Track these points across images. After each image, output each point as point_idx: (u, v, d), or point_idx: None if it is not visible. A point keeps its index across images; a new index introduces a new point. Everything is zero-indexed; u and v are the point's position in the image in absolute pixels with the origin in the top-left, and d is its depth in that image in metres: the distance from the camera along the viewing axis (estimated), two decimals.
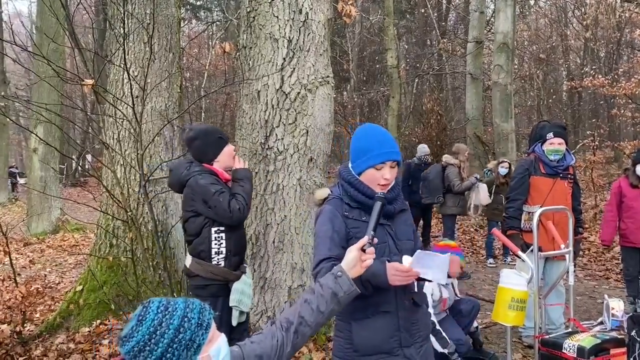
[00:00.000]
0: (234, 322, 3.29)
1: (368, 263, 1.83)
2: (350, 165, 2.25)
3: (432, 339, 3.68)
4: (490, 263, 8.29)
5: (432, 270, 2.04)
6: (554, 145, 4.55)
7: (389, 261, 2.03)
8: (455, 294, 4.31)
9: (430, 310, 3.80)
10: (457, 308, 4.25)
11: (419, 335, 2.21)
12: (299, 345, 1.66)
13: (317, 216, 2.24)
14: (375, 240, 1.89)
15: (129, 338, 1.31)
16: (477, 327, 4.40)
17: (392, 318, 2.14)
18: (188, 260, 3.32)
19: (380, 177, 2.14)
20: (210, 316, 1.39)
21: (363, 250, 1.81)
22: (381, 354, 2.13)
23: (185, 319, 1.32)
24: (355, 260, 1.79)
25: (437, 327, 3.78)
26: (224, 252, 3.27)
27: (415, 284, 2.20)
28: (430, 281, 2.12)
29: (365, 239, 1.83)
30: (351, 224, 2.16)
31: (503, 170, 8.10)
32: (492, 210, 8.27)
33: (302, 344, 1.70)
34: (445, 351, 3.71)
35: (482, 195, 7.84)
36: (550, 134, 4.58)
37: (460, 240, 10.11)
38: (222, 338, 1.42)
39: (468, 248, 9.71)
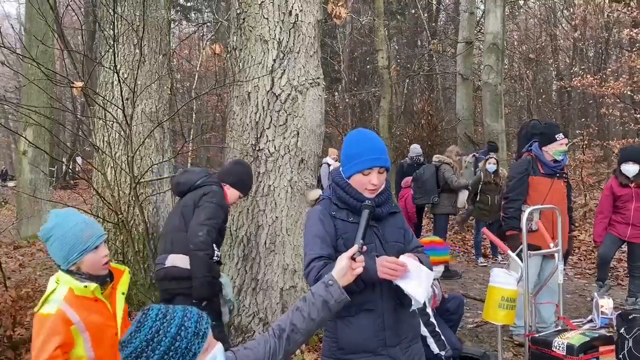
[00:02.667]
0: (226, 318, 3.33)
1: (358, 271, 1.87)
2: (341, 168, 2.30)
3: (431, 340, 3.69)
4: (481, 262, 8.32)
5: (413, 281, 2.03)
6: (563, 146, 4.55)
7: (377, 256, 2.07)
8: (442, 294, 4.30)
9: (429, 311, 3.81)
10: (444, 307, 4.22)
11: (405, 335, 2.22)
12: (291, 351, 1.70)
13: (308, 216, 2.29)
14: (365, 248, 1.93)
15: (127, 344, 1.34)
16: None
17: (377, 317, 2.16)
18: (185, 261, 3.21)
19: (368, 182, 2.18)
20: (207, 325, 1.42)
21: (353, 258, 1.85)
22: (365, 353, 2.15)
23: (183, 328, 1.35)
24: (346, 268, 1.83)
25: (437, 329, 3.77)
26: (217, 258, 3.32)
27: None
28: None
29: (355, 248, 1.87)
30: (338, 224, 2.21)
31: (491, 167, 7.95)
32: (480, 210, 8.26)
33: (295, 350, 1.73)
34: (443, 354, 3.71)
35: (460, 199, 7.88)
36: (561, 134, 4.54)
37: (451, 240, 10.15)
38: (218, 347, 1.45)
39: (459, 247, 9.76)
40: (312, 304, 1.75)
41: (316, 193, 2.41)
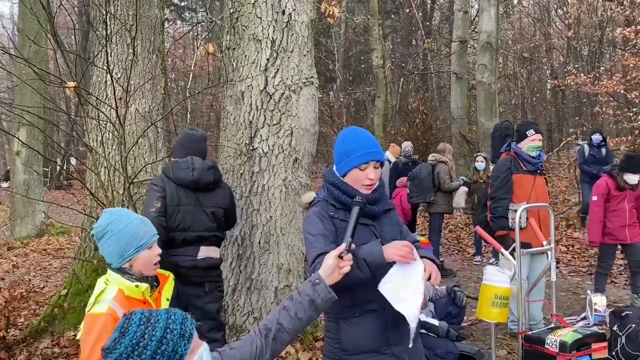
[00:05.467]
0: None
1: (345, 270, 1.84)
2: (334, 167, 2.27)
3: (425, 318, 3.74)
4: (476, 261, 8.34)
5: (401, 293, 2.02)
6: (535, 142, 4.62)
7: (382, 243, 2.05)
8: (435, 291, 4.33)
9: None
10: (447, 310, 4.24)
11: (407, 334, 2.20)
12: (277, 350, 1.69)
13: (305, 220, 2.24)
14: (353, 246, 1.90)
15: (111, 350, 1.32)
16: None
17: (380, 317, 2.15)
18: (217, 252, 3.58)
19: (365, 178, 2.16)
20: (192, 326, 1.41)
21: (341, 257, 1.83)
22: (370, 353, 2.14)
23: (168, 330, 1.34)
24: (333, 267, 1.82)
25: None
26: None
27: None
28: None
29: (342, 246, 1.85)
30: (337, 224, 2.18)
31: (480, 165, 7.84)
32: (470, 210, 8.27)
33: (282, 349, 1.72)
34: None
35: (458, 198, 7.86)
36: (532, 130, 4.64)
37: (446, 239, 10.18)
38: (204, 346, 1.44)
39: (454, 246, 9.78)
40: (299, 303, 1.73)
41: (310, 196, 2.37)
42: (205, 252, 3.47)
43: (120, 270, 2.12)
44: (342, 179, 2.22)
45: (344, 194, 2.18)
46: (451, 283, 4.57)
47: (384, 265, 2.02)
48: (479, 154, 8.23)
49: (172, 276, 2.34)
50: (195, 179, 3.43)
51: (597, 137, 9.39)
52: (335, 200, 2.21)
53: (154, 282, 2.22)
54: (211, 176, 3.49)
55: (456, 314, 4.28)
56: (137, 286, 2.09)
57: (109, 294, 2.07)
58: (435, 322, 3.92)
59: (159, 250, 2.21)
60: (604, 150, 9.29)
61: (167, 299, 2.27)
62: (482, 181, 7.79)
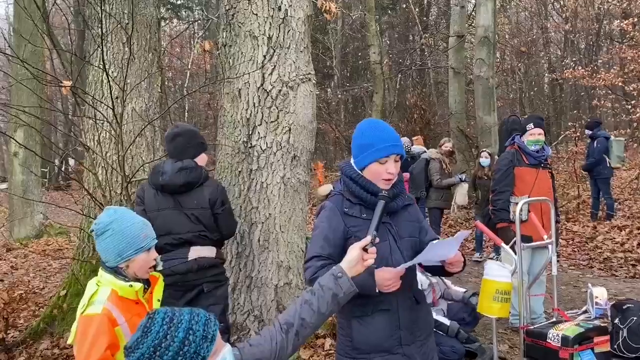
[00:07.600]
0: None
1: (369, 262, 1.81)
2: (352, 160, 2.22)
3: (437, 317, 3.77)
4: (475, 257, 8.33)
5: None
6: (534, 136, 4.64)
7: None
8: (446, 285, 4.35)
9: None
10: (459, 316, 4.26)
11: (419, 333, 2.19)
12: (298, 346, 1.66)
13: (318, 211, 2.22)
14: (377, 240, 1.87)
15: (133, 350, 1.31)
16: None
17: (393, 316, 2.13)
18: (211, 251, 3.44)
19: (384, 172, 2.10)
20: (216, 327, 1.38)
21: (365, 249, 1.80)
22: (381, 352, 2.12)
23: (190, 332, 1.32)
24: (357, 259, 1.79)
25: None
26: None
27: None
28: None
29: (367, 239, 1.82)
30: (351, 221, 2.13)
31: (484, 161, 7.72)
32: (474, 206, 8.27)
33: (302, 344, 1.70)
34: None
35: (458, 196, 7.85)
36: (531, 125, 4.67)
37: (446, 234, 10.17)
38: (227, 348, 1.42)
39: None
40: (321, 297, 1.69)
41: (327, 188, 2.35)
42: (197, 252, 3.39)
43: (114, 270, 2.10)
44: (360, 172, 2.16)
45: (362, 189, 2.13)
46: (470, 290, 4.58)
47: (376, 294, 2.02)
48: (484, 149, 8.18)
49: (161, 277, 2.33)
50: (163, 184, 3.37)
51: (587, 132, 9.94)
52: (352, 195, 2.16)
53: (145, 285, 2.21)
54: (181, 179, 3.36)
55: (469, 322, 4.29)
56: (131, 285, 2.07)
57: (103, 295, 2.05)
58: (447, 321, 3.92)
59: (156, 255, 2.21)
60: (595, 143, 9.52)
61: (158, 300, 2.26)
62: (486, 178, 7.75)
